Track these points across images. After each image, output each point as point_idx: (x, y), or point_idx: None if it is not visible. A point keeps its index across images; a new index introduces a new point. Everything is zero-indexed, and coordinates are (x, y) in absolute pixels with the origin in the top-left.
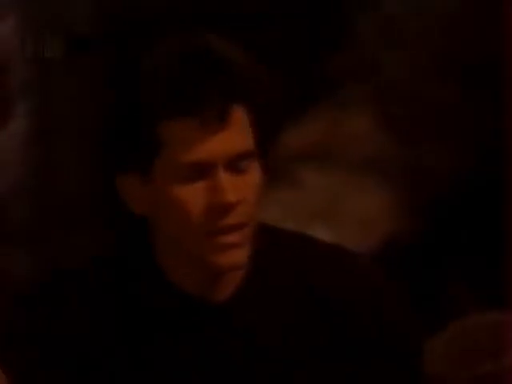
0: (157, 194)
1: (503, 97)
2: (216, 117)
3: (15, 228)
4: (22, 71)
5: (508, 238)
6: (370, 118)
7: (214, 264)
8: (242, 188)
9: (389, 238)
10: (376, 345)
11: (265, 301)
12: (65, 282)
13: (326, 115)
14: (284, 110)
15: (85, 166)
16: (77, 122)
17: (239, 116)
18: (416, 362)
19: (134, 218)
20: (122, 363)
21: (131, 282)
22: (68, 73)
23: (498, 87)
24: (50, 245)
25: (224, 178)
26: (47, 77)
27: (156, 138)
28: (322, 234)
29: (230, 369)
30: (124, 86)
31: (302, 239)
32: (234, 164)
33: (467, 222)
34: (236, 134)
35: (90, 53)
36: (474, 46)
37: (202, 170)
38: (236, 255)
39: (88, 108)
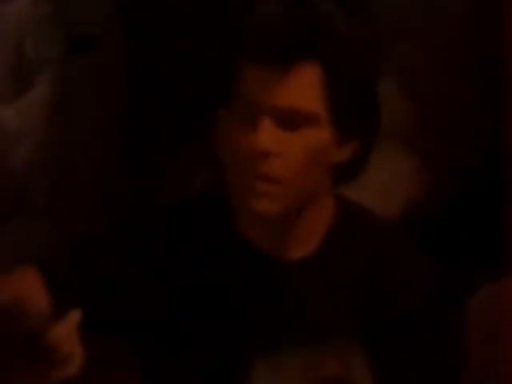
0: (222, 135)
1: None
2: (281, 68)
3: (35, 198)
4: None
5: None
6: (393, 86)
7: (248, 208)
8: (286, 143)
9: (410, 207)
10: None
11: (332, 266)
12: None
13: None
14: None
15: (105, 136)
16: (96, 92)
17: (309, 74)
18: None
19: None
20: (193, 303)
21: (210, 237)
22: None
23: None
24: (70, 215)
25: (266, 125)
26: None
27: (236, 77)
28: None
29: (289, 323)
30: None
31: (372, 215)
32: (286, 118)
33: (488, 195)
34: (296, 90)
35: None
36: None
37: (255, 115)
38: (266, 205)
39: (109, 80)
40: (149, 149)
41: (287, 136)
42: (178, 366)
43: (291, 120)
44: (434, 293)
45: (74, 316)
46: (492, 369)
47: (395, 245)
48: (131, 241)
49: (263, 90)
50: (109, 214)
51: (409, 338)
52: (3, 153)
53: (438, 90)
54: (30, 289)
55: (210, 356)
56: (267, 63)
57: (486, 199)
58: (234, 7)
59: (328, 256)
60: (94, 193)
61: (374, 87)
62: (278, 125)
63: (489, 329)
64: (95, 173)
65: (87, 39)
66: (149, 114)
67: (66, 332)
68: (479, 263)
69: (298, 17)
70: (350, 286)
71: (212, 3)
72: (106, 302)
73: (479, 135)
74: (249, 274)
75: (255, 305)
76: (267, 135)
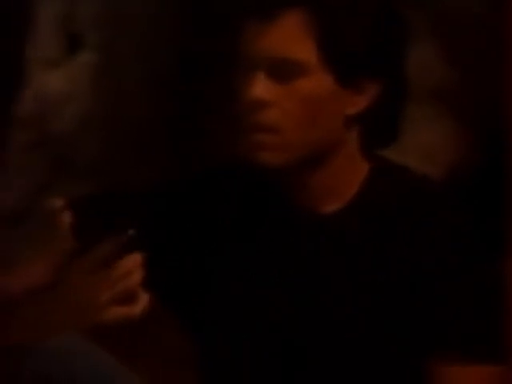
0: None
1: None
2: (266, 19)
3: (85, 159)
4: (92, 3)
5: None
6: (433, 49)
7: (251, 161)
8: (281, 94)
9: (451, 169)
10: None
11: (365, 222)
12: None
13: None
14: None
15: (152, 98)
16: (144, 55)
17: (297, 22)
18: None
19: None
20: (235, 256)
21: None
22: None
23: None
24: (113, 176)
25: (260, 77)
26: (117, 10)
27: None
28: None
29: (321, 278)
30: None
31: (411, 173)
32: (279, 70)
33: None
34: (285, 40)
35: None
36: None
37: (251, 70)
38: (267, 156)
39: (156, 41)
40: (195, 111)
41: (282, 87)
42: (227, 326)
43: (284, 71)
44: (472, 247)
45: (137, 256)
46: None
47: (436, 202)
48: (176, 204)
49: (255, 44)
50: (152, 176)
51: (450, 291)
52: (51, 114)
53: (474, 54)
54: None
55: (257, 318)
56: (257, 16)
57: None
58: None
59: (362, 210)
60: (138, 155)
61: (380, 28)
62: (272, 77)
63: None
64: (140, 135)
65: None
66: (194, 78)
67: (134, 266)
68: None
69: None
70: (387, 240)
71: None
72: (155, 269)
73: None
74: (286, 231)
75: (297, 261)
76: (261, 86)
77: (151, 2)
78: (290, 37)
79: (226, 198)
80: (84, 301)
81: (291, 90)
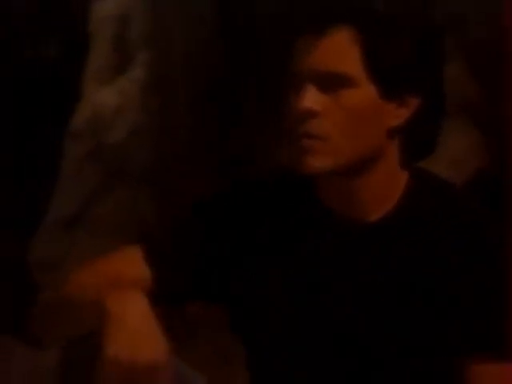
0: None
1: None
2: (315, 34)
3: (135, 170)
4: (141, 22)
5: None
6: (458, 63)
7: (299, 168)
8: (328, 105)
9: (476, 176)
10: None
11: (407, 231)
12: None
13: None
14: None
15: (198, 114)
16: (191, 71)
17: (344, 37)
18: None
19: None
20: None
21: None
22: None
23: None
24: (167, 186)
25: (308, 88)
26: (165, 28)
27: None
28: None
29: (364, 284)
30: None
31: (450, 188)
32: (326, 82)
33: None
34: (332, 54)
35: None
36: None
37: (301, 83)
38: (313, 161)
39: (201, 57)
40: (240, 122)
41: (330, 98)
42: (269, 329)
43: (332, 83)
44: (501, 257)
45: None
46: None
47: (471, 211)
48: (226, 212)
49: (306, 58)
50: (202, 184)
51: (481, 300)
52: (105, 128)
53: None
54: (131, 266)
55: (297, 325)
56: (309, 31)
57: None
58: None
59: (404, 218)
60: (187, 165)
61: (422, 44)
62: (321, 89)
63: None
64: (189, 145)
65: None
66: (241, 87)
67: None
68: None
69: None
70: (428, 248)
71: None
72: (204, 272)
73: None
74: (331, 240)
75: (339, 270)
76: (311, 97)
77: (196, 23)
78: (339, 51)
79: (274, 207)
80: None
81: (339, 101)
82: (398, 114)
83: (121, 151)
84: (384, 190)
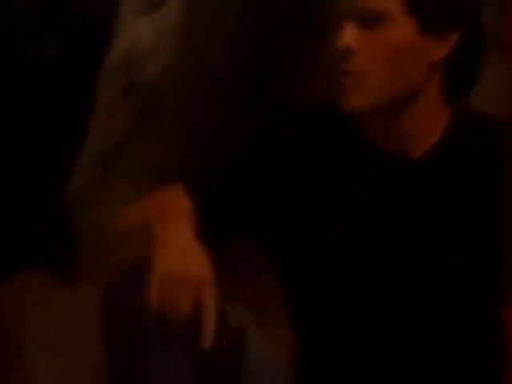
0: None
1: None
2: None
3: (171, 108)
4: None
5: None
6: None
7: (341, 105)
8: (367, 41)
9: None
10: None
11: (450, 167)
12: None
13: None
14: None
15: (237, 46)
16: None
17: None
18: None
19: None
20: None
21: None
22: None
23: None
24: (199, 126)
25: (347, 25)
26: None
27: None
28: None
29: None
30: None
31: (494, 124)
32: (365, 19)
33: None
34: None
35: None
36: None
37: (339, 20)
38: (353, 100)
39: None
40: (281, 60)
41: (368, 35)
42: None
43: (370, 20)
44: None
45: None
46: None
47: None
48: (271, 148)
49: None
50: (238, 122)
51: None
52: (139, 65)
53: None
54: (175, 205)
55: (353, 264)
56: None
57: None
58: None
59: (448, 154)
60: (223, 103)
61: None
62: (359, 26)
63: None
64: (226, 84)
65: None
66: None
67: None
68: None
69: None
70: (474, 184)
71: None
72: (246, 207)
73: None
74: (376, 174)
75: (388, 205)
76: (350, 35)
77: None
78: None
79: (319, 142)
80: None
81: (378, 37)
82: (437, 50)
83: (155, 88)
84: (427, 126)
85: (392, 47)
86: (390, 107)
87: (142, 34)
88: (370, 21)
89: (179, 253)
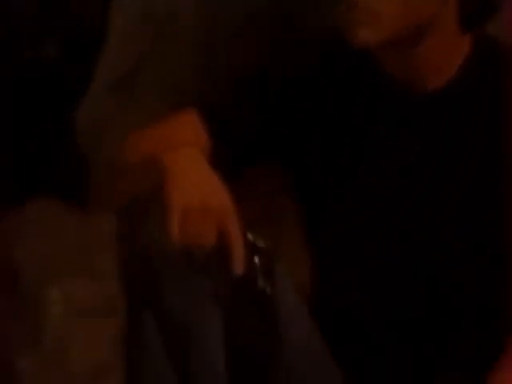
0: None
1: None
2: None
3: (185, 34)
4: None
5: None
6: None
7: (350, 39)
8: None
9: None
10: None
11: (466, 101)
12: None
13: None
14: None
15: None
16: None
17: None
18: None
19: None
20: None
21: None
22: None
23: None
24: (212, 48)
25: None
26: None
27: None
28: None
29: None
30: None
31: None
32: None
33: None
34: None
35: None
36: None
37: None
38: (364, 34)
39: None
40: None
41: None
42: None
43: None
44: None
45: None
46: None
47: None
48: (287, 79)
49: None
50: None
51: None
52: None
53: None
54: (188, 129)
55: (370, 200)
56: None
57: None
58: None
59: (467, 86)
60: (240, 26)
61: None
62: None
63: None
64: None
65: None
66: None
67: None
68: None
69: None
70: (492, 117)
71: None
72: (262, 134)
73: None
74: (391, 107)
75: (404, 138)
76: None
77: None
78: None
79: (335, 74)
80: None
81: None
82: None
83: (170, 17)
84: (443, 58)
85: None
86: (404, 40)
87: None
88: None
89: (197, 184)
